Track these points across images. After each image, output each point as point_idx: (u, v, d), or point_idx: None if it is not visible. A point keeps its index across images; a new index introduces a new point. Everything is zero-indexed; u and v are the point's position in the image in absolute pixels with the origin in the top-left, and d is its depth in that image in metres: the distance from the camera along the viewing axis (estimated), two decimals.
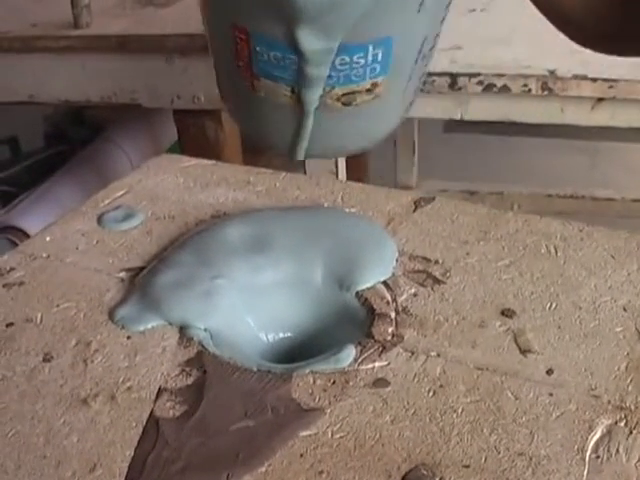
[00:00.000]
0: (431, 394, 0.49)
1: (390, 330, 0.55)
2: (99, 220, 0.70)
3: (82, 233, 0.68)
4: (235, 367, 0.52)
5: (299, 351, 0.58)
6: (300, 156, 0.55)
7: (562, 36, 0.53)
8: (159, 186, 0.75)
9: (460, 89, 1.03)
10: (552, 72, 1.02)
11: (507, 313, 0.56)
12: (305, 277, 0.61)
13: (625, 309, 0.56)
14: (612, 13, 0.49)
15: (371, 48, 0.48)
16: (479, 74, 1.03)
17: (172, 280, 0.59)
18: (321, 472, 0.44)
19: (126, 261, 0.64)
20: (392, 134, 0.58)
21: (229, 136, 1.21)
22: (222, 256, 0.61)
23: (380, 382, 0.50)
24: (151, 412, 0.49)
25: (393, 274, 0.61)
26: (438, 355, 0.53)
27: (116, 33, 1.15)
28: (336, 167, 1.14)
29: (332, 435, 0.47)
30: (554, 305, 0.57)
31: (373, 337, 0.54)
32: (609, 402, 0.48)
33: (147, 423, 0.48)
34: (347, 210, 0.70)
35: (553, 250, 0.63)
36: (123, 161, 1.45)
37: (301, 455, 0.46)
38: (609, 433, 0.46)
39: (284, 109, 0.52)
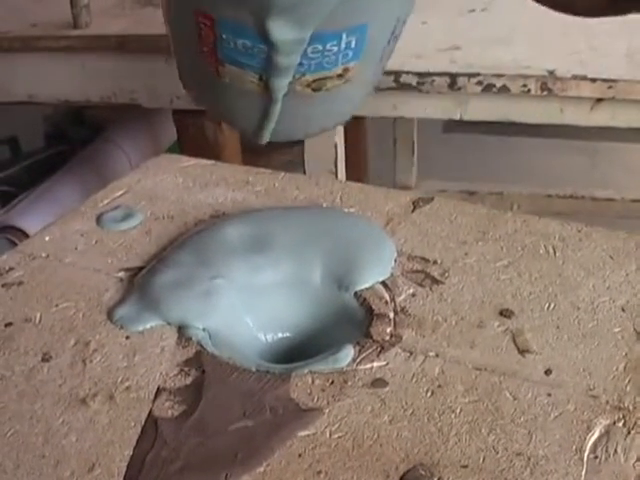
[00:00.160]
0: (429, 394, 0.49)
1: (389, 330, 0.55)
2: (98, 220, 0.70)
3: (81, 233, 0.68)
4: (234, 367, 0.53)
5: (298, 351, 0.58)
6: (265, 139, 0.55)
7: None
8: (158, 186, 0.75)
9: (459, 89, 1.03)
10: (551, 72, 1.02)
11: (505, 313, 0.56)
12: (304, 277, 0.61)
13: (623, 309, 0.56)
14: None
15: (345, 36, 0.47)
16: (478, 74, 1.03)
17: (171, 280, 0.59)
18: (319, 472, 0.44)
19: (125, 261, 0.64)
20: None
21: (228, 136, 1.21)
22: (221, 256, 0.61)
23: (378, 382, 0.51)
24: (150, 412, 0.49)
25: (392, 274, 0.61)
26: (436, 355, 0.53)
27: (116, 33, 1.15)
28: (335, 167, 1.15)
29: (330, 435, 0.47)
30: (552, 305, 0.57)
31: (372, 337, 0.55)
32: (607, 402, 0.48)
33: (146, 423, 0.48)
34: (346, 210, 0.70)
35: (552, 250, 0.63)
36: (122, 161, 1.45)
37: (299, 455, 0.46)
38: (607, 433, 0.46)
39: (250, 95, 0.51)
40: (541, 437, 0.46)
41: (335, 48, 0.48)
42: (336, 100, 0.53)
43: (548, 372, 0.51)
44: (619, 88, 1.00)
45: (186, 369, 0.52)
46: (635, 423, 0.47)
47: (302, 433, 0.47)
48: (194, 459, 0.46)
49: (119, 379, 0.52)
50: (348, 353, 0.53)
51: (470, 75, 1.03)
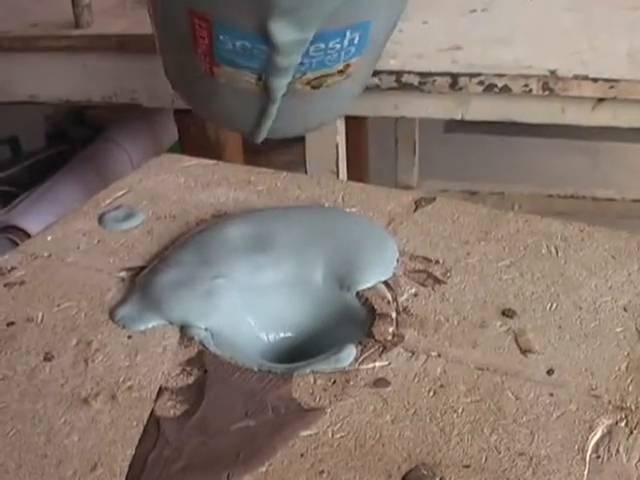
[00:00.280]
0: (431, 394, 0.49)
1: (391, 330, 0.55)
2: (100, 220, 0.70)
3: (83, 233, 0.68)
4: (236, 367, 0.53)
5: (300, 351, 0.58)
6: (262, 138, 0.54)
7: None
8: (160, 186, 0.75)
9: (461, 89, 1.03)
10: (553, 72, 1.02)
11: (508, 313, 0.56)
12: (306, 277, 0.61)
13: (625, 309, 0.56)
14: None
15: (348, 33, 0.46)
16: (480, 74, 1.03)
17: (173, 280, 0.59)
18: (321, 472, 0.44)
19: (127, 260, 0.64)
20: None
21: (230, 136, 1.21)
22: (223, 256, 0.61)
23: (380, 382, 0.51)
24: (152, 411, 0.49)
25: (394, 274, 0.61)
26: (439, 355, 0.53)
27: (117, 33, 1.15)
28: (337, 167, 1.14)
29: (332, 435, 0.47)
30: (555, 305, 0.57)
31: (374, 337, 0.54)
32: (609, 402, 0.48)
33: (148, 422, 0.48)
34: (348, 210, 0.70)
35: (554, 250, 0.63)
36: (124, 161, 1.45)
37: (302, 455, 0.46)
38: (609, 433, 0.46)
39: (247, 95, 0.50)
40: (543, 437, 0.46)
41: (338, 46, 0.47)
42: (336, 95, 0.52)
43: (550, 372, 0.51)
44: (621, 88, 1.00)
45: (188, 369, 0.52)
46: (637, 423, 0.47)
47: (304, 433, 0.47)
48: (196, 459, 0.46)
49: (121, 379, 0.52)
50: (350, 353, 0.53)
51: (471, 75, 1.03)
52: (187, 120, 1.20)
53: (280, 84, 0.49)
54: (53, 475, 0.45)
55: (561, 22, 1.17)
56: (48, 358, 0.54)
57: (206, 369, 0.52)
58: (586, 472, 0.44)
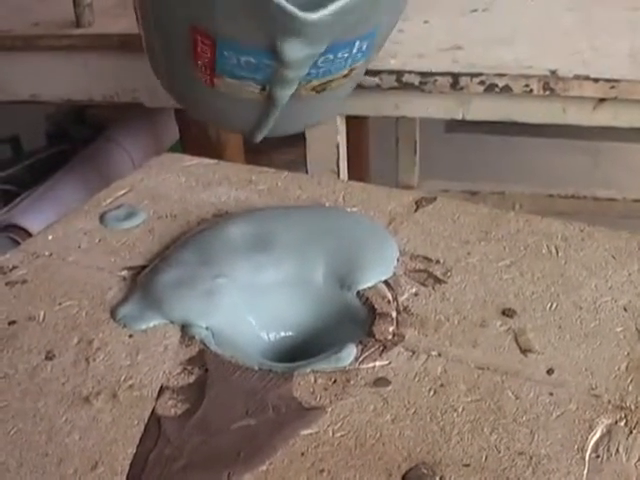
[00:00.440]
0: (432, 393, 0.50)
1: (391, 329, 0.55)
2: (101, 219, 0.70)
3: (84, 232, 0.68)
4: (236, 366, 0.53)
5: (300, 350, 0.58)
6: (260, 138, 0.54)
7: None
8: (161, 185, 0.75)
9: (462, 89, 1.03)
10: (554, 72, 1.02)
11: (508, 313, 0.56)
12: (306, 276, 0.61)
13: (626, 309, 0.57)
14: None
15: (357, 43, 0.46)
16: (481, 74, 1.03)
17: (174, 279, 0.59)
18: (322, 471, 0.45)
19: (128, 260, 0.64)
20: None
21: (231, 135, 1.21)
22: (224, 255, 0.61)
23: (381, 381, 0.51)
24: (153, 410, 0.49)
25: (394, 273, 0.61)
26: (439, 354, 0.53)
27: (118, 32, 1.16)
28: (337, 167, 1.14)
29: (333, 434, 0.47)
30: (555, 305, 0.57)
31: (374, 336, 0.55)
32: (609, 402, 0.48)
33: (149, 421, 0.48)
34: (348, 209, 0.70)
35: (554, 250, 0.63)
36: (125, 160, 1.45)
37: (302, 454, 0.46)
38: (609, 433, 0.46)
39: (249, 102, 0.49)
40: (543, 436, 0.46)
41: (347, 55, 0.47)
42: (336, 95, 0.52)
43: (550, 371, 0.51)
44: (622, 88, 1.00)
45: (189, 368, 0.53)
46: (637, 422, 0.47)
47: (305, 432, 0.47)
48: (197, 457, 0.46)
49: (122, 377, 0.52)
50: (350, 352, 0.53)
51: (472, 75, 1.03)
52: (188, 119, 1.20)
53: (285, 94, 0.48)
54: (54, 473, 0.45)
55: (562, 22, 1.17)
56: (49, 357, 0.54)
57: (207, 368, 0.52)
58: (586, 471, 0.44)
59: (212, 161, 0.80)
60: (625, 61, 1.04)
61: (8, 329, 0.57)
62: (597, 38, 1.11)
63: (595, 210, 1.63)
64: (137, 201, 0.73)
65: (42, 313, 0.58)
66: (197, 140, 1.20)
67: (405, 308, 0.57)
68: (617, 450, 0.45)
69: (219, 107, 0.51)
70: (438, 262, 0.62)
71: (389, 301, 0.58)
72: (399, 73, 1.03)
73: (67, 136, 1.62)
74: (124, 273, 0.62)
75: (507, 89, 1.02)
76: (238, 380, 0.51)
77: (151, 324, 0.56)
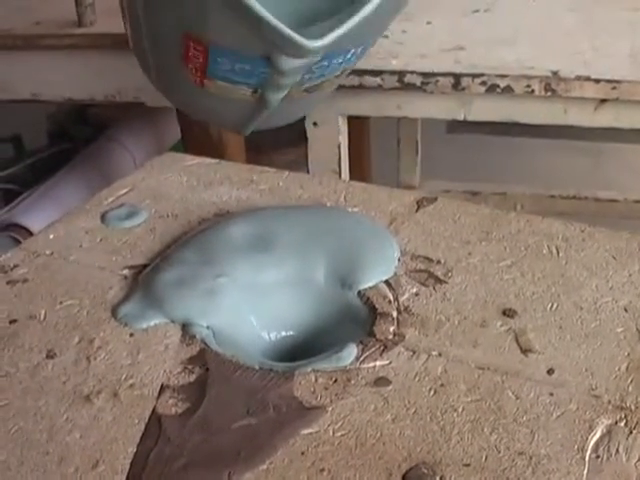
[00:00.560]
0: (432, 393, 0.50)
1: (392, 329, 0.55)
2: (103, 218, 0.70)
3: (86, 231, 0.68)
4: (237, 365, 0.53)
5: (301, 349, 0.58)
6: (247, 133, 0.53)
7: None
8: (162, 184, 0.75)
9: (463, 89, 1.04)
10: (555, 73, 1.02)
11: (508, 313, 0.56)
12: (307, 276, 0.61)
13: (626, 310, 0.57)
14: None
15: (353, 49, 0.46)
16: (482, 74, 1.03)
17: (175, 278, 0.59)
18: (322, 470, 0.45)
19: (129, 259, 0.64)
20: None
21: (232, 135, 1.21)
22: (225, 254, 0.61)
23: (381, 381, 0.51)
24: (153, 409, 0.49)
25: (395, 273, 0.61)
26: (439, 354, 0.53)
27: (120, 32, 1.15)
28: (339, 167, 1.15)
29: (333, 433, 0.47)
30: (555, 305, 0.57)
31: (375, 336, 0.55)
32: (609, 402, 0.49)
33: (149, 420, 0.48)
34: (350, 209, 0.70)
35: (555, 250, 0.63)
36: (126, 159, 1.45)
37: (302, 453, 0.46)
38: (609, 433, 0.46)
39: (239, 103, 0.49)
40: (543, 436, 0.46)
41: (341, 60, 0.47)
42: (325, 93, 0.52)
43: (550, 372, 0.51)
44: (623, 89, 1.00)
45: (190, 367, 0.53)
46: (637, 423, 0.47)
47: (305, 431, 0.47)
48: (197, 456, 0.46)
49: (123, 376, 0.52)
50: (351, 352, 0.53)
51: (474, 75, 1.03)
52: (189, 119, 1.20)
53: (277, 97, 0.48)
54: (55, 472, 0.45)
55: (563, 23, 1.17)
56: (50, 355, 0.54)
57: (208, 367, 0.53)
58: (585, 472, 0.44)
59: (213, 161, 0.80)
60: (626, 62, 1.04)
61: (9, 328, 0.57)
62: (598, 39, 1.11)
63: (596, 211, 1.63)
64: (138, 200, 0.73)
65: (43, 312, 0.58)
66: (198, 140, 1.20)
67: (406, 308, 0.57)
68: (617, 450, 0.45)
69: (208, 106, 0.51)
70: (439, 262, 0.62)
71: (390, 301, 0.58)
72: (401, 73, 1.03)
73: (68, 135, 1.62)
74: (125, 272, 0.63)
75: (508, 90, 1.03)
76: (239, 379, 0.51)
77: (152, 323, 0.56)
